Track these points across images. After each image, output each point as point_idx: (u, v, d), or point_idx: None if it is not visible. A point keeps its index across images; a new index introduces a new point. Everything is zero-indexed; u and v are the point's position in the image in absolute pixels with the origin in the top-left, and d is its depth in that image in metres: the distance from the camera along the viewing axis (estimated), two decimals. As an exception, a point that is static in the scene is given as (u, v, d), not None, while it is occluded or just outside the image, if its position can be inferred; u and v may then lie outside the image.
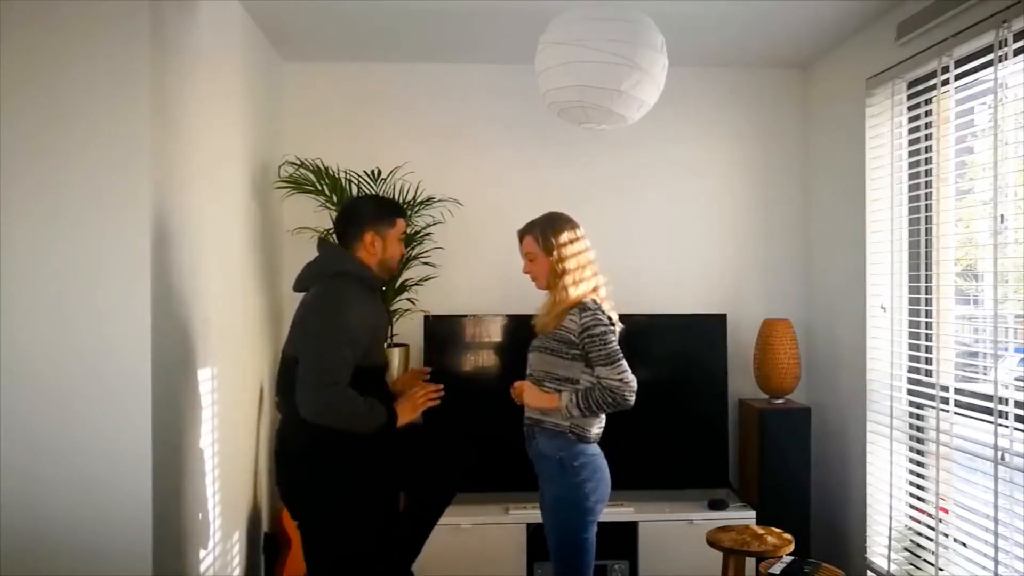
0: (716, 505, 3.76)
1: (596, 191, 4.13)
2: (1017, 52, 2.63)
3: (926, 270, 3.26)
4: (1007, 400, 2.65)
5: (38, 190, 2.35)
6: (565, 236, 2.72)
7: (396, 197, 3.75)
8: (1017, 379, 2.67)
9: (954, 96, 3.01)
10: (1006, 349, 2.80)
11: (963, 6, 2.81)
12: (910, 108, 3.30)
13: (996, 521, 2.69)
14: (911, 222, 3.32)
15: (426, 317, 3.87)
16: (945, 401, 3.00)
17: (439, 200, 3.91)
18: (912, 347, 3.31)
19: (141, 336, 2.37)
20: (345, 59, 4.02)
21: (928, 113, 3.19)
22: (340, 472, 2.45)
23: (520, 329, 3.82)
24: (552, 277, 2.70)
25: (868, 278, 3.51)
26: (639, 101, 2.98)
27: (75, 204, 2.36)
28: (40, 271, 2.35)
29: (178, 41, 2.65)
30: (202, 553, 2.83)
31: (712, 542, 3.16)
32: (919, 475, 3.27)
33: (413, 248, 3.80)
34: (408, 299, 3.83)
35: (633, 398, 2.56)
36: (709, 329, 3.93)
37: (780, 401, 3.88)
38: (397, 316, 3.83)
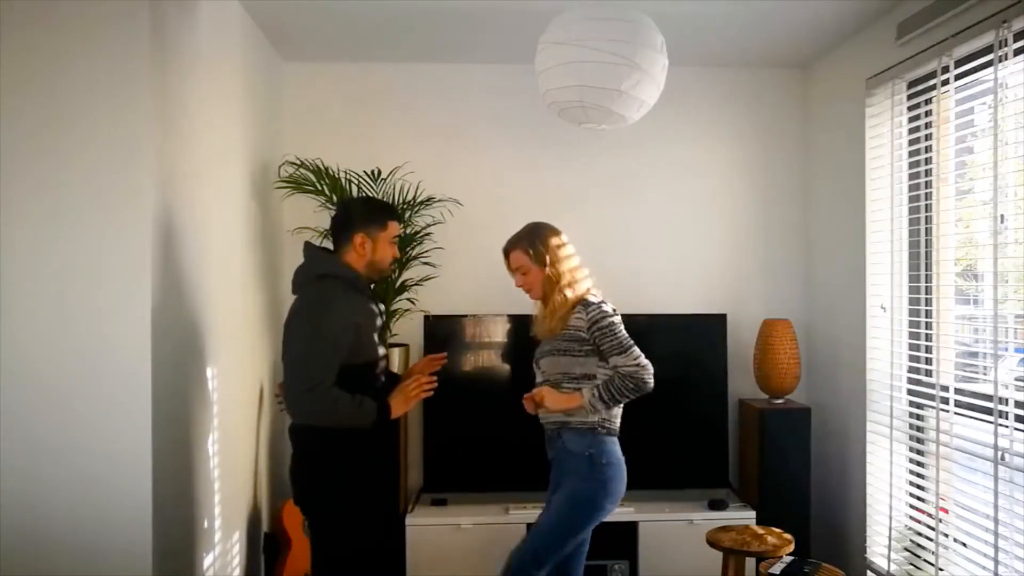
0: (716, 505, 3.76)
1: (596, 191, 4.13)
2: (1017, 52, 2.63)
3: (926, 270, 3.25)
4: (1007, 400, 2.64)
5: (38, 190, 2.36)
6: (554, 242, 2.77)
7: (396, 197, 3.76)
8: (1017, 379, 2.67)
9: (954, 96, 3.01)
10: (1006, 349, 2.80)
11: (963, 6, 2.81)
12: (910, 108, 3.29)
13: (996, 521, 2.69)
14: (911, 222, 3.32)
15: (426, 317, 3.87)
16: (945, 401, 3.00)
17: (439, 200, 3.91)
18: (912, 347, 3.31)
19: (141, 336, 2.37)
20: (345, 59, 4.02)
21: (928, 113, 3.19)
22: (336, 472, 2.48)
23: (520, 329, 3.83)
24: (547, 285, 2.74)
25: (868, 278, 3.51)
26: (639, 101, 2.98)
27: (75, 204, 2.36)
28: (40, 271, 2.36)
29: (178, 41, 2.65)
30: (202, 553, 2.83)
31: (712, 542, 3.16)
32: (919, 475, 3.27)
33: (413, 248, 3.80)
34: (408, 299, 3.83)
35: (652, 380, 2.63)
36: (709, 329, 3.93)
37: (780, 401, 3.88)
38: (397, 316, 3.83)
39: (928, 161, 3.19)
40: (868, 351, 3.50)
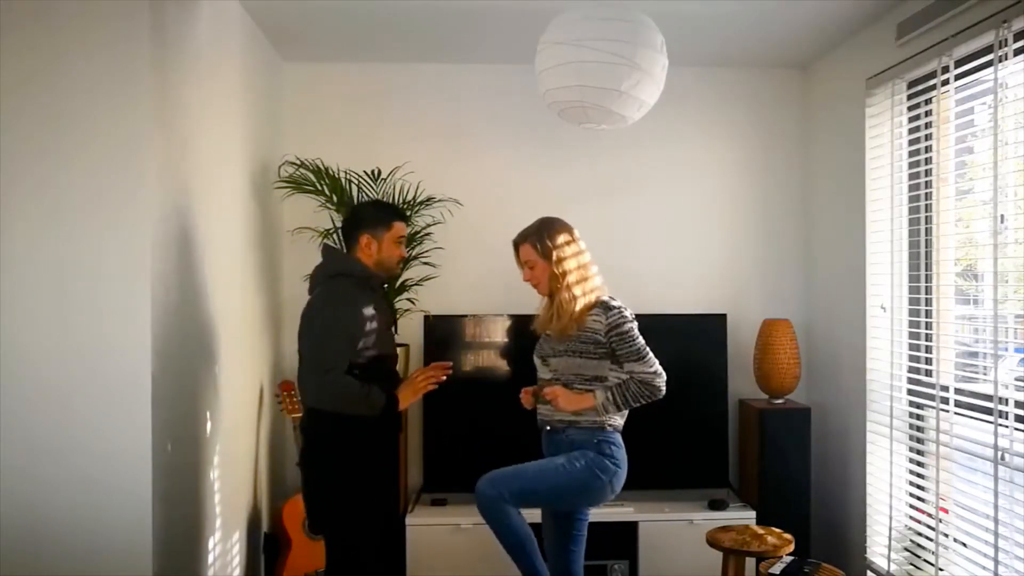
0: (716, 505, 3.76)
1: (596, 191, 4.13)
2: (1017, 52, 2.63)
3: (926, 270, 3.25)
4: (1007, 400, 2.64)
5: (38, 190, 2.36)
6: (561, 239, 2.75)
7: (396, 197, 3.76)
8: (1017, 379, 2.67)
9: (954, 96, 3.01)
10: (1006, 349, 2.80)
11: (963, 6, 2.81)
12: (910, 108, 3.29)
13: (996, 521, 2.69)
14: (911, 222, 3.32)
15: (426, 317, 3.86)
16: (945, 401, 3.00)
17: (439, 200, 3.91)
18: (912, 347, 3.31)
19: (141, 336, 2.38)
20: (345, 59, 4.02)
21: (928, 113, 3.19)
22: (345, 459, 2.58)
23: (520, 329, 3.83)
24: (553, 281, 2.72)
25: (868, 278, 3.51)
26: (639, 101, 2.98)
27: (75, 204, 2.36)
28: (40, 271, 2.36)
29: (178, 41, 2.65)
30: (202, 553, 2.83)
31: (712, 542, 3.16)
32: (919, 475, 3.27)
33: (413, 248, 3.80)
34: (408, 299, 3.83)
35: (665, 388, 2.65)
36: (709, 329, 3.93)
37: (780, 401, 3.88)
38: (397, 316, 3.83)
39: (928, 161, 3.19)
40: (868, 351, 3.50)
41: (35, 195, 2.35)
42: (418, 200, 3.83)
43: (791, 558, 3.04)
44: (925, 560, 3.17)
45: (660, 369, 2.64)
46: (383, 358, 2.69)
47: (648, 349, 2.65)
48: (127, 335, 2.37)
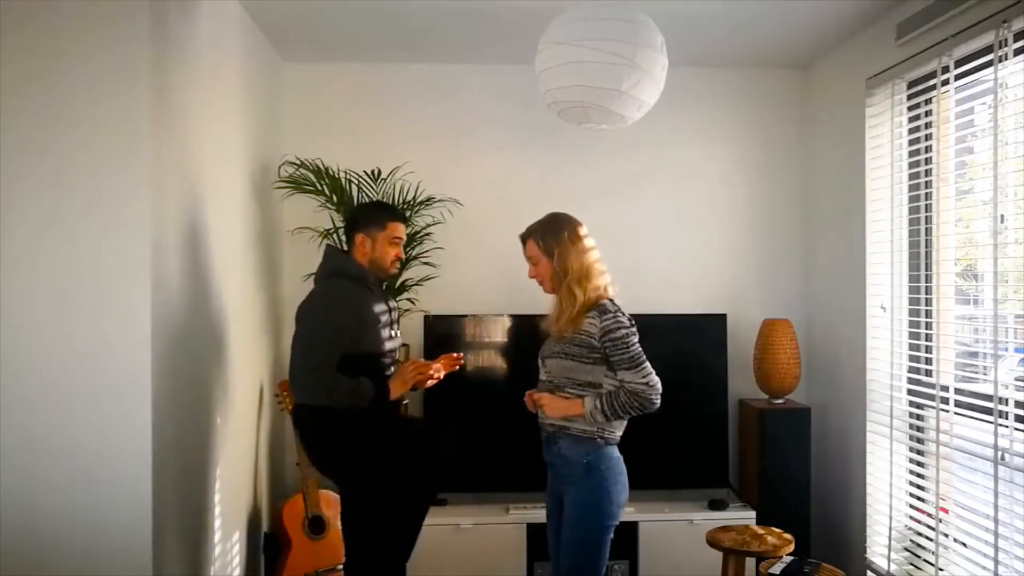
0: (716, 505, 3.76)
1: (596, 191, 4.12)
2: (1017, 52, 2.63)
3: (926, 270, 3.25)
4: (1007, 400, 2.65)
5: (38, 190, 2.35)
6: (566, 237, 2.65)
7: (396, 197, 3.76)
8: (1017, 379, 2.67)
9: (954, 96, 3.01)
10: (1006, 349, 2.80)
11: (963, 6, 2.81)
12: (910, 108, 3.30)
13: (996, 521, 2.69)
14: (911, 222, 3.32)
15: (426, 317, 3.86)
16: (945, 401, 3.00)
17: (439, 200, 3.90)
18: (912, 347, 3.31)
19: (141, 336, 2.37)
20: (345, 59, 4.02)
21: (928, 113, 3.19)
22: (339, 450, 2.63)
23: (520, 329, 3.84)
24: (555, 280, 2.63)
25: (868, 278, 3.51)
26: (639, 101, 2.98)
27: (75, 204, 2.36)
28: (40, 271, 2.35)
29: (178, 41, 2.65)
30: (202, 553, 2.83)
31: (712, 542, 3.16)
32: (919, 475, 3.27)
33: (413, 248, 3.80)
34: (408, 299, 3.83)
35: (659, 401, 2.52)
36: (709, 329, 3.93)
37: (780, 401, 3.88)
38: (398, 316, 3.82)
39: (928, 161, 3.20)
40: (868, 351, 3.50)
41: (35, 195, 2.35)
42: (418, 200, 3.83)
43: (791, 558, 3.04)
44: (925, 560, 3.17)
45: (655, 380, 2.50)
46: (376, 355, 2.69)
47: (644, 358, 2.52)
48: (127, 335, 2.37)
